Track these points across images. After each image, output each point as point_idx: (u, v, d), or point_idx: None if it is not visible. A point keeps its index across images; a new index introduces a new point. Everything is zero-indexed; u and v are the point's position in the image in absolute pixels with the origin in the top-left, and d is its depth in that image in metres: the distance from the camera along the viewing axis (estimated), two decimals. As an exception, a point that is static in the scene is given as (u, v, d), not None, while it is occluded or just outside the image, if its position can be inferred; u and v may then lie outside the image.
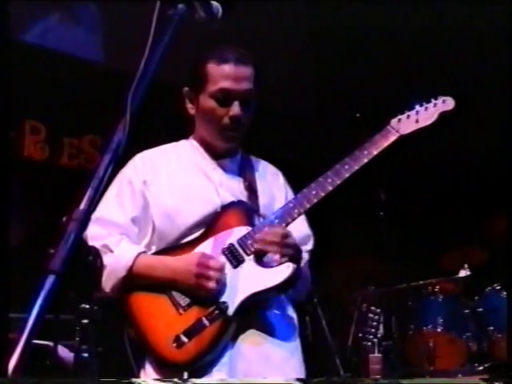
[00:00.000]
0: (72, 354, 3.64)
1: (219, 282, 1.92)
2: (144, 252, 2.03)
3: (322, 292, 3.79)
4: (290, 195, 2.18)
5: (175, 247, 2.04)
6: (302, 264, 2.05)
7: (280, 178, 2.25)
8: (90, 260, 0.98)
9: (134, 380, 1.92)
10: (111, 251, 1.99)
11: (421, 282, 4.41)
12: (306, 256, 2.11)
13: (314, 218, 2.17)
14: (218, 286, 1.92)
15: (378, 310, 2.99)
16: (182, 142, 2.23)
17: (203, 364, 1.91)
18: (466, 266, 4.36)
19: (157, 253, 2.05)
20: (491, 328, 4.12)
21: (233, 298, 1.92)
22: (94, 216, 1.09)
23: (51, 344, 3.49)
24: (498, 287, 4.25)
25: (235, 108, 2.03)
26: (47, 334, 3.19)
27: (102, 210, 1.99)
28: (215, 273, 1.93)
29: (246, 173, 2.16)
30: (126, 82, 1.27)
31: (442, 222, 5.38)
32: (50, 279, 0.93)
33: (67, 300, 1.02)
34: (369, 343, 2.95)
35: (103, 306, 1.92)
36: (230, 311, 1.91)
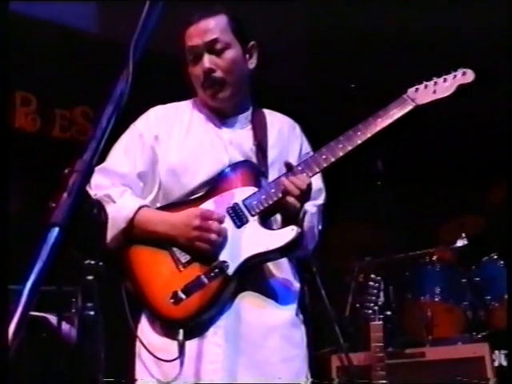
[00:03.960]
0: (69, 326, 3.63)
1: (220, 236, 1.88)
2: (147, 206, 1.99)
3: (319, 261, 3.76)
4: (306, 147, 2.15)
5: (179, 203, 2.00)
6: (309, 218, 2.01)
7: (297, 130, 2.21)
8: (94, 214, 0.92)
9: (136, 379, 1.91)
10: (113, 201, 1.94)
11: (418, 252, 4.40)
12: (314, 210, 2.07)
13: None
14: (218, 240, 1.88)
15: (379, 278, 2.96)
16: (192, 100, 2.19)
17: (199, 323, 1.87)
18: (463, 235, 4.34)
19: (160, 208, 2.02)
20: (488, 297, 4.12)
21: (234, 258, 1.88)
22: (100, 166, 1.05)
23: (48, 316, 3.46)
24: (495, 256, 4.25)
25: (203, 61, 2.01)
26: (45, 306, 3.17)
27: (108, 161, 1.96)
28: (215, 225, 1.89)
29: (256, 129, 2.11)
30: (119, 52, 1.22)
31: (439, 191, 5.36)
32: (53, 232, 0.88)
33: (70, 256, 0.97)
34: (369, 311, 2.92)
35: (109, 263, 1.88)
36: (230, 270, 1.87)
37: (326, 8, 4.83)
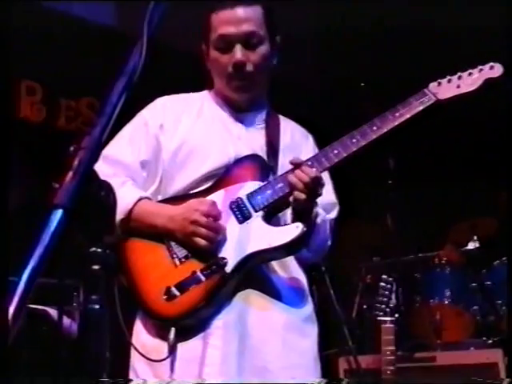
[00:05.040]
0: (69, 320, 3.55)
1: (218, 233, 1.78)
2: (148, 198, 1.90)
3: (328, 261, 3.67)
4: None
5: (180, 197, 1.90)
6: (322, 226, 1.92)
7: (309, 140, 2.10)
8: (102, 196, 0.83)
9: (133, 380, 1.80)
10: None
11: (428, 254, 4.32)
12: (327, 221, 1.97)
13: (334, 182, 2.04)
14: (216, 236, 1.78)
15: (391, 279, 2.86)
16: (206, 92, 2.10)
17: (194, 322, 1.76)
18: (475, 237, 4.26)
19: (161, 201, 1.93)
20: (499, 302, 4.04)
21: (233, 255, 1.77)
22: (102, 153, 0.96)
23: (49, 310, 3.38)
24: (507, 261, 4.16)
25: (236, 53, 1.89)
26: (45, 299, 3.09)
27: (111, 149, 1.87)
28: (212, 222, 1.79)
29: (269, 129, 2.01)
30: (126, 43, 1.14)
31: (452, 191, 5.26)
32: (56, 215, 0.79)
33: (75, 243, 0.87)
34: (380, 313, 2.82)
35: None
36: (229, 268, 1.76)
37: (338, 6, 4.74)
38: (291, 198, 1.83)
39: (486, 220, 4.63)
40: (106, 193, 0.83)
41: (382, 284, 2.89)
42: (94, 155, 0.86)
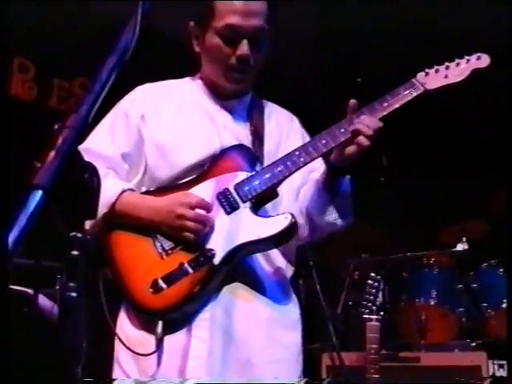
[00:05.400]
0: (51, 303, 3.49)
1: (205, 226, 1.74)
2: (131, 190, 1.84)
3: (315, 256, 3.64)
4: (307, 139, 1.97)
5: (165, 188, 1.85)
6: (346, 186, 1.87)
7: (295, 122, 2.06)
8: (85, 178, 0.78)
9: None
10: None
11: (416, 253, 4.29)
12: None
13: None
14: (202, 228, 1.73)
15: (379, 277, 2.84)
16: (188, 79, 2.04)
17: (181, 315, 1.72)
18: (464, 239, 4.23)
19: (145, 193, 1.87)
20: (485, 304, 4.03)
21: (221, 246, 1.73)
22: (82, 146, 0.91)
23: (30, 291, 3.32)
24: (495, 263, 4.14)
25: (243, 47, 1.83)
26: (27, 280, 3.03)
27: (91, 141, 1.81)
28: (199, 214, 1.74)
29: (253, 116, 1.97)
30: (120, 24, 1.09)
31: (444, 192, 5.24)
32: (35, 196, 0.74)
33: (55, 227, 0.82)
34: (366, 310, 2.79)
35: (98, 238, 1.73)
36: (217, 260, 1.72)
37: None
38: (336, 150, 1.79)
39: (475, 222, 4.61)
40: (89, 175, 0.78)
41: (370, 282, 2.87)
42: (80, 135, 0.81)
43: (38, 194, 0.74)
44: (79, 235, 1.28)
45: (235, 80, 1.90)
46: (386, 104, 1.81)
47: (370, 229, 4.59)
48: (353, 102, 1.83)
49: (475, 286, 4.12)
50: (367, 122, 1.75)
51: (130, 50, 0.96)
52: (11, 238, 0.69)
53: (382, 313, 2.85)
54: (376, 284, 2.85)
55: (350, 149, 1.77)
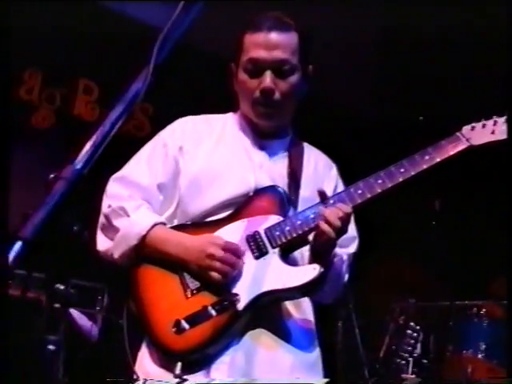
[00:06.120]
0: (91, 323, 3.54)
1: (233, 267, 1.71)
2: (163, 223, 1.83)
3: (358, 298, 3.56)
4: (340, 189, 1.93)
5: (196, 224, 1.84)
6: (338, 264, 1.83)
7: (333, 171, 2.01)
8: (74, 230, 0.77)
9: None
10: (128, 215, 1.80)
11: (466, 302, 4.13)
12: (344, 257, 1.88)
13: (358, 216, 1.92)
14: (230, 271, 1.71)
15: (418, 327, 2.74)
16: (230, 114, 2.03)
17: (200, 358, 1.69)
18: (517, 292, 4.05)
19: (176, 227, 1.86)
20: (536, 362, 3.82)
21: (246, 292, 1.70)
22: (119, 174, 0.90)
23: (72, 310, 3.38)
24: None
25: (265, 79, 1.82)
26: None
27: (128, 170, 1.83)
28: (231, 257, 1.72)
29: (292, 158, 1.94)
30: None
31: (497, 241, 5.05)
32: (16, 246, 0.74)
33: (39, 278, 0.82)
34: (402, 361, 2.70)
35: (81, 290, 1.73)
36: (241, 305, 1.69)
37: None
38: (312, 236, 1.75)
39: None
40: (79, 228, 0.77)
41: (409, 331, 2.78)
42: (72, 187, 0.80)
43: (18, 244, 0.74)
44: (61, 287, 1.28)
45: (262, 115, 1.89)
46: (427, 157, 1.76)
47: (418, 273, 4.47)
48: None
49: (527, 341, 3.93)
50: (338, 213, 1.69)
51: (140, 98, 0.96)
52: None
53: (422, 360, 2.75)
54: (415, 334, 2.76)
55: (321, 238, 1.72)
